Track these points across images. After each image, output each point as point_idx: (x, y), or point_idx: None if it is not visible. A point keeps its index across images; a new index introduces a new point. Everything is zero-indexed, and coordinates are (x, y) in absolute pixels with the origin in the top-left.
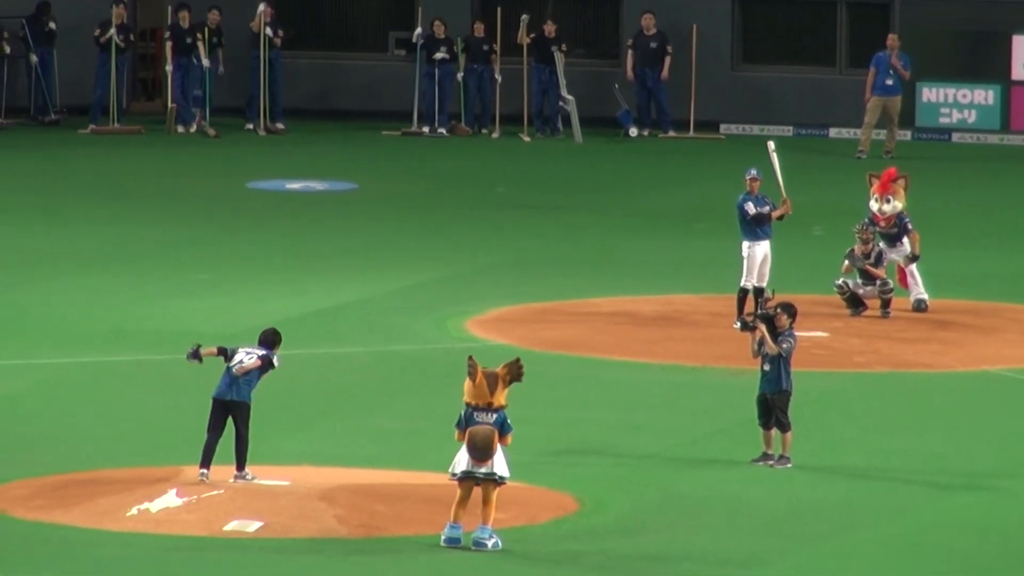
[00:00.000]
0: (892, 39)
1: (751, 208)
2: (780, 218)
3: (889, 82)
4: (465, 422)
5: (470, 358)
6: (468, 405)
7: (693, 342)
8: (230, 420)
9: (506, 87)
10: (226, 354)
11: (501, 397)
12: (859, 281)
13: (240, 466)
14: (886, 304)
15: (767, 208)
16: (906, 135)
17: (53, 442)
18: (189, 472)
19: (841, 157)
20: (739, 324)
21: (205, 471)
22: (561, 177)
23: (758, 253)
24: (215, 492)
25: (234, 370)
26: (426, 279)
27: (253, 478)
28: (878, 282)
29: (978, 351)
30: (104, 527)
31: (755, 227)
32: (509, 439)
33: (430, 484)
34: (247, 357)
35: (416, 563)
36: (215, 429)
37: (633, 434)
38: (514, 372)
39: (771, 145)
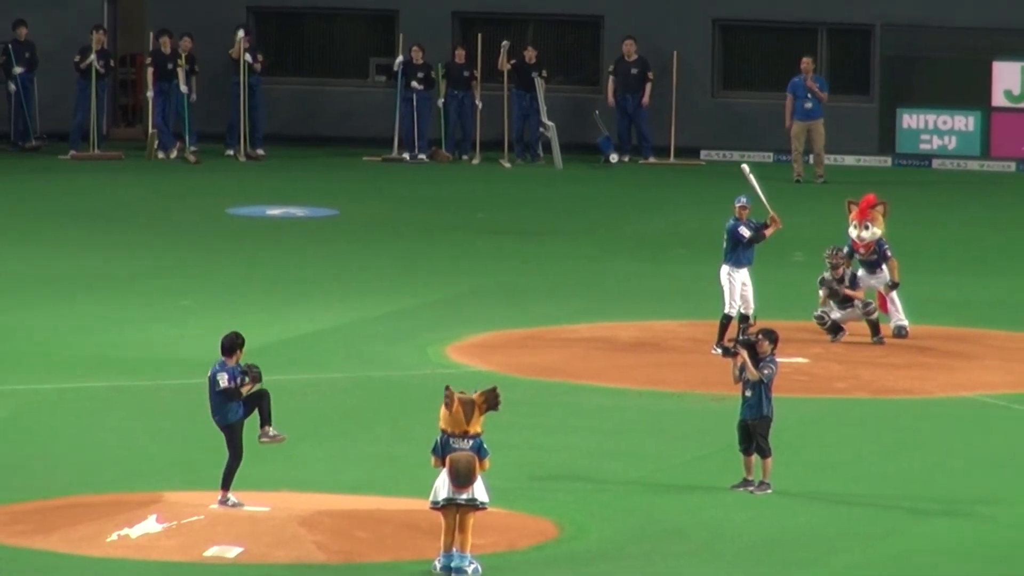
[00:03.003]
0: (806, 62)
1: (745, 232)
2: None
3: (808, 106)
4: (441, 449)
5: (447, 388)
6: (444, 432)
7: (673, 368)
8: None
9: (487, 113)
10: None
11: (477, 425)
12: (833, 305)
13: (223, 488)
14: (876, 330)
15: (759, 231)
16: (886, 161)
17: (33, 468)
18: (169, 498)
19: (822, 183)
20: (720, 350)
21: (225, 494)
22: (541, 203)
23: (737, 280)
24: (195, 518)
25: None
26: (406, 305)
27: (236, 503)
28: (858, 303)
29: (959, 377)
30: (84, 553)
31: (742, 254)
32: (487, 463)
33: (410, 510)
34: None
35: None
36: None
37: (613, 460)
38: (491, 400)
39: (745, 168)
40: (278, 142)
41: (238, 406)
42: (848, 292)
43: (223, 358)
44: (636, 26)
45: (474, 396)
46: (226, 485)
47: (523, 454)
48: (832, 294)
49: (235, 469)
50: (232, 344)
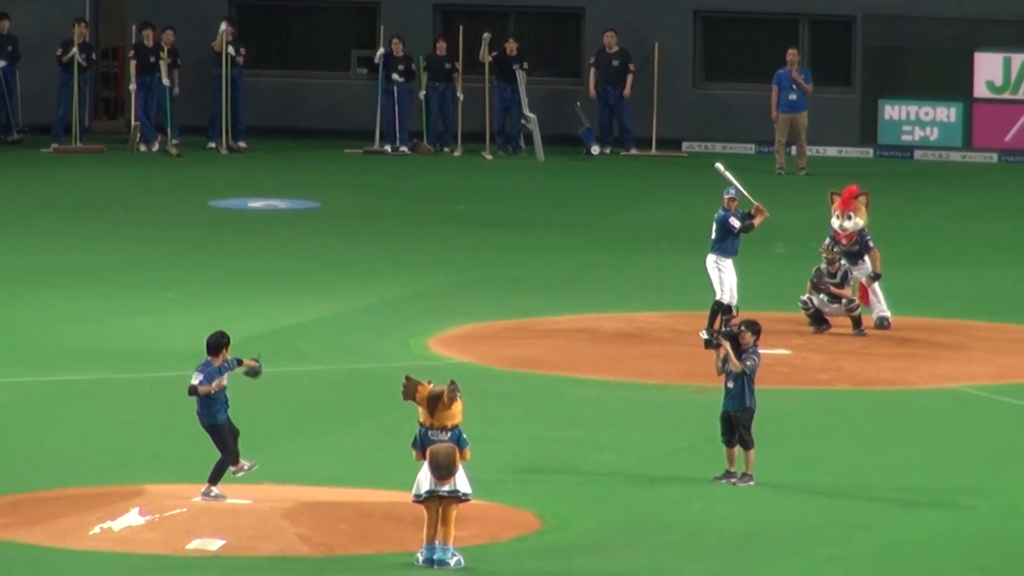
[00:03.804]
0: (792, 54)
1: (736, 222)
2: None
3: (793, 97)
4: (421, 442)
5: (407, 377)
6: (422, 425)
7: (656, 359)
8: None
9: (468, 105)
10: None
11: (449, 416)
12: (823, 299)
13: (210, 481)
14: (858, 323)
15: (748, 220)
16: (868, 152)
17: (16, 460)
18: (152, 490)
19: (804, 175)
20: (705, 337)
21: (209, 487)
22: (523, 195)
23: (725, 269)
24: (177, 511)
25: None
26: (388, 297)
27: (218, 495)
28: (844, 300)
29: (941, 368)
30: (67, 546)
31: (730, 244)
32: (468, 453)
33: (393, 502)
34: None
35: None
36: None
37: (596, 452)
38: (450, 395)
39: (720, 166)
40: (260, 134)
41: (223, 406)
42: (834, 290)
43: (209, 357)
44: (617, 18)
45: (443, 389)
46: (213, 480)
47: (506, 446)
48: (817, 288)
49: (226, 467)
50: (218, 343)
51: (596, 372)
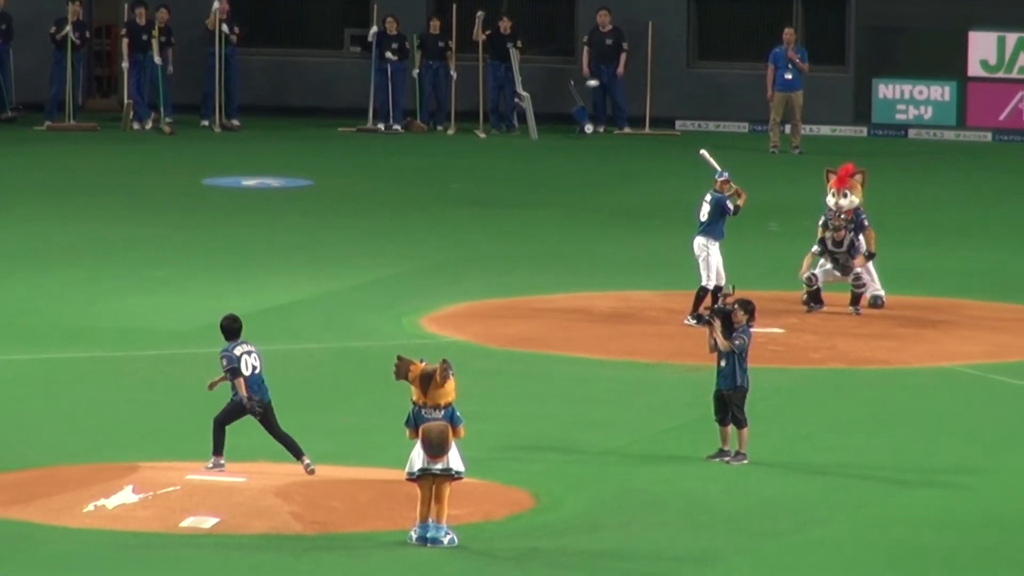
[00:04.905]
0: (788, 33)
1: (731, 205)
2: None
3: (788, 76)
4: (414, 420)
5: (399, 357)
6: (415, 404)
7: (649, 338)
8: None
9: (462, 84)
10: (237, 371)
11: (442, 394)
12: (829, 267)
13: (299, 455)
14: (856, 300)
15: (735, 203)
16: (862, 131)
17: (9, 439)
18: (145, 468)
19: (798, 153)
20: (694, 320)
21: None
22: (517, 174)
23: (713, 252)
24: (171, 488)
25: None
26: (382, 276)
27: (219, 468)
28: (851, 276)
29: (935, 347)
30: (61, 523)
31: (721, 227)
32: (461, 431)
33: (386, 480)
34: (249, 357)
35: (371, 560)
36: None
37: (589, 430)
38: (442, 374)
39: (704, 153)
40: (253, 113)
41: (264, 385)
42: (852, 262)
43: (229, 342)
44: None
45: (436, 373)
46: (299, 454)
47: (499, 424)
48: (833, 260)
49: (291, 439)
50: (234, 327)
51: (589, 351)
